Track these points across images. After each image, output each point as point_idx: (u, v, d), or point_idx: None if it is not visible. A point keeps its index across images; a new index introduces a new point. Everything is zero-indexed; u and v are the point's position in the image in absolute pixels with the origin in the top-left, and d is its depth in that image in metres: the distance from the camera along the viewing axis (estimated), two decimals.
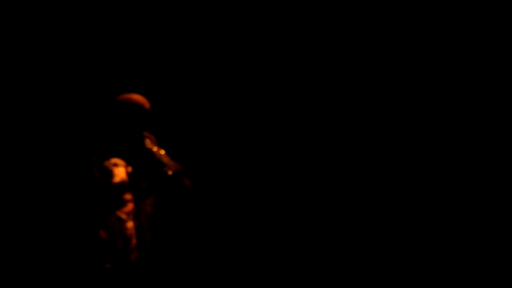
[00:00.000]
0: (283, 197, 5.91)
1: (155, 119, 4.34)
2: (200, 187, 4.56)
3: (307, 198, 5.94)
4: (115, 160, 4.18)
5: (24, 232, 5.11)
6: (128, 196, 4.16)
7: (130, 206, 4.17)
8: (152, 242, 4.24)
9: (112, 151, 4.20)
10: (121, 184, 4.15)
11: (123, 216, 4.14)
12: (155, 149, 4.22)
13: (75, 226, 4.12)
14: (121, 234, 4.11)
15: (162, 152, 4.23)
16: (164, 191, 4.25)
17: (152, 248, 4.24)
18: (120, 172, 4.17)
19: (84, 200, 4.10)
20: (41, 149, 5.28)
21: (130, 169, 4.21)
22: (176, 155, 4.27)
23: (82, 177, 4.10)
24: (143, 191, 4.21)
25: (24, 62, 5.43)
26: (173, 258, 5.39)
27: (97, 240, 4.08)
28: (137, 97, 4.22)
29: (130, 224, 4.14)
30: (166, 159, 4.20)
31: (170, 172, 4.15)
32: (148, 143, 4.23)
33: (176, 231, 5.47)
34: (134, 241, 4.14)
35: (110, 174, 4.14)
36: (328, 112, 6.06)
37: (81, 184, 4.11)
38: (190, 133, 5.77)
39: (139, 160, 4.22)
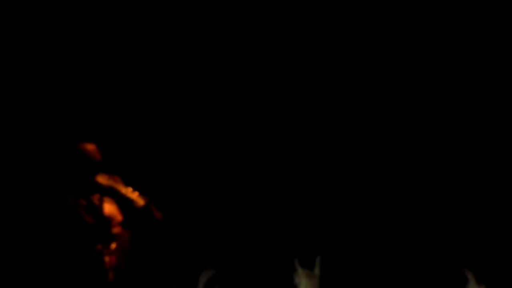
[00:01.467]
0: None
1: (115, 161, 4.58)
2: (170, 219, 4.71)
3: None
4: (96, 197, 4.41)
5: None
6: (107, 232, 4.38)
7: (109, 242, 4.38)
8: (128, 276, 4.44)
9: (82, 190, 4.42)
10: (105, 220, 4.38)
11: (103, 250, 4.34)
12: (120, 187, 4.42)
13: (59, 257, 4.33)
14: (100, 267, 4.32)
15: (128, 189, 4.43)
16: (138, 225, 4.44)
17: (128, 281, 4.44)
18: (105, 209, 4.40)
19: (68, 234, 4.33)
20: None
21: (108, 206, 4.43)
22: (142, 191, 4.48)
23: (67, 213, 4.34)
24: (119, 227, 4.42)
25: None
26: None
27: (78, 271, 4.30)
28: (89, 147, 4.47)
29: (108, 258, 4.35)
30: (133, 195, 4.41)
31: (139, 206, 4.36)
32: (111, 183, 4.44)
33: (152, 264, 5.62)
34: (111, 275, 4.34)
35: (96, 211, 4.38)
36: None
37: (65, 220, 4.35)
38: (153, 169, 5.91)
39: (109, 199, 4.43)
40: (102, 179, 4.44)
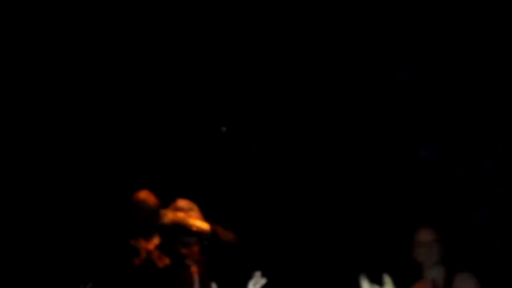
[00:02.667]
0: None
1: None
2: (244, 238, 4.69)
3: None
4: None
5: None
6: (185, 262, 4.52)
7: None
8: None
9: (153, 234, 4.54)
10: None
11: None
12: (185, 221, 4.48)
13: None
14: None
15: (193, 220, 4.45)
16: (213, 251, 4.52)
17: None
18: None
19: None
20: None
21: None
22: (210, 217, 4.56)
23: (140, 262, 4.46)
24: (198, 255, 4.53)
25: None
26: None
27: None
28: (142, 195, 4.58)
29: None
30: (199, 225, 4.42)
31: (207, 233, 4.47)
32: (177, 219, 4.48)
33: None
34: None
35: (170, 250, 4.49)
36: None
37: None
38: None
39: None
40: (169, 216, 4.48)
